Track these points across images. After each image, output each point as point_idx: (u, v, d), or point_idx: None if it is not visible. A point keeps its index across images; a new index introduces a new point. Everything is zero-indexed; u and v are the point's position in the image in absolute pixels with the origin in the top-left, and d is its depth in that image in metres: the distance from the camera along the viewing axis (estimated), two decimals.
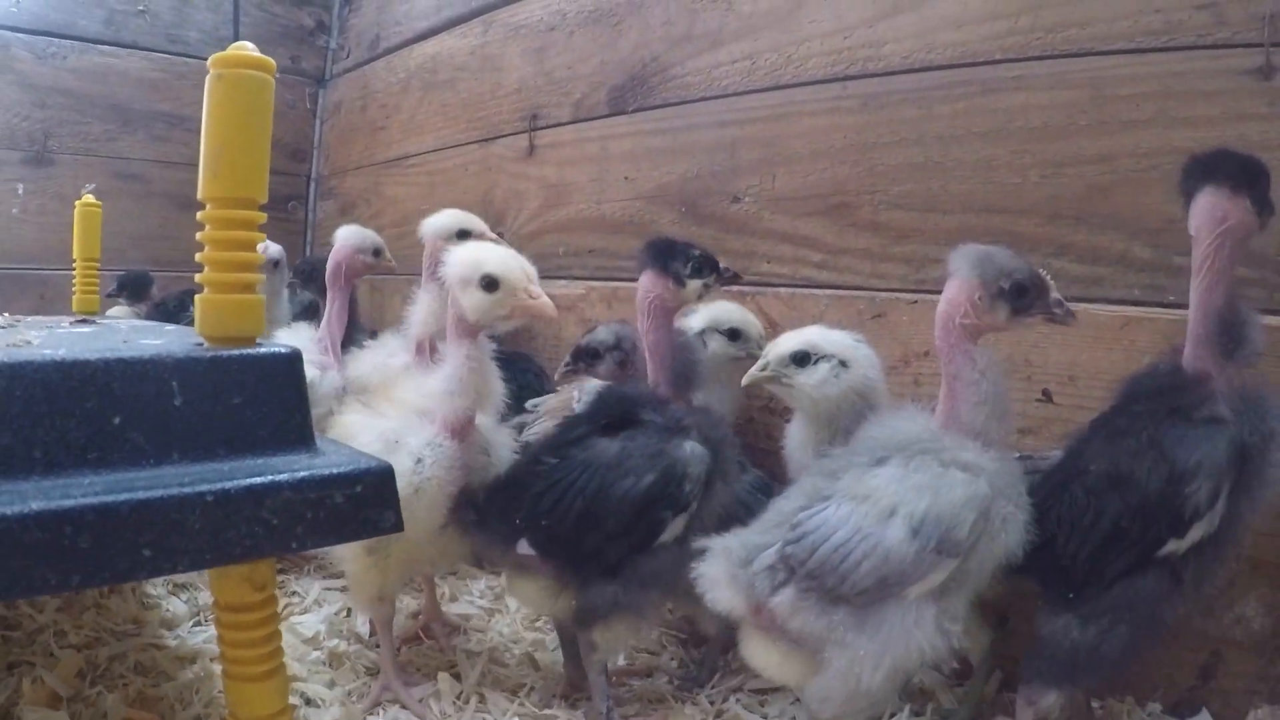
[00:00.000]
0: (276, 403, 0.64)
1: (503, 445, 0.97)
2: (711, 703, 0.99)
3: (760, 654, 0.80)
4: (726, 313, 1.11)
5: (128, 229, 2.11)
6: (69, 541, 0.51)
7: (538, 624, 1.18)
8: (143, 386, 0.59)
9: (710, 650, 1.06)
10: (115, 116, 2.17)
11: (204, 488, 0.56)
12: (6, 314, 1.06)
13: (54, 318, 1.14)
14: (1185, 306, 0.80)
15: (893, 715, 0.93)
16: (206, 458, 0.60)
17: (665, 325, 0.94)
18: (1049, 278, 0.76)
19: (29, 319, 1.06)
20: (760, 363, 0.91)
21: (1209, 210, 0.75)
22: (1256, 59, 0.89)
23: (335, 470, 0.62)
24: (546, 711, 0.96)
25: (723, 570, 0.78)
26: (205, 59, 0.63)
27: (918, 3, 1.15)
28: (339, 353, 1.29)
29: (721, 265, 0.96)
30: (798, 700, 0.95)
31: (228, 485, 0.57)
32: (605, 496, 0.85)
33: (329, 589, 1.25)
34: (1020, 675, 0.80)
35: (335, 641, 1.09)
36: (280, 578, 1.26)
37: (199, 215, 0.65)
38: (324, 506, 0.61)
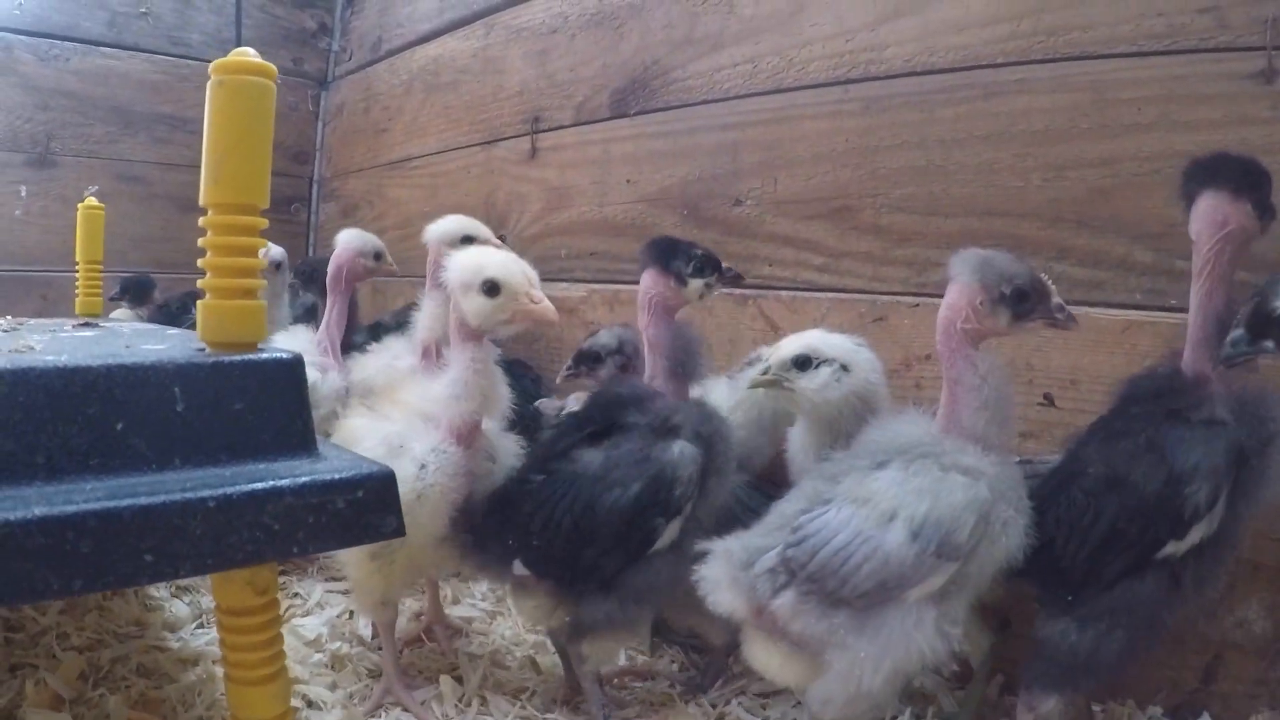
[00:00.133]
0: (278, 408, 0.64)
1: (508, 452, 0.96)
2: (714, 705, 0.99)
3: (762, 656, 0.80)
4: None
5: (130, 231, 2.12)
6: (71, 547, 0.51)
7: (539, 627, 1.18)
8: (145, 392, 0.59)
9: (714, 656, 1.06)
10: (117, 118, 2.18)
11: (206, 493, 0.56)
12: (9, 316, 1.07)
13: (57, 320, 1.14)
14: (1187, 310, 0.80)
15: (894, 718, 0.93)
16: (208, 463, 0.60)
17: (664, 321, 0.93)
18: (1050, 282, 0.76)
19: (32, 322, 1.06)
20: (761, 367, 0.91)
21: (1210, 214, 0.75)
22: (1259, 63, 0.89)
23: (337, 475, 0.62)
24: (548, 715, 0.96)
25: (724, 573, 0.79)
26: (208, 61, 0.64)
27: (919, 6, 1.15)
28: (339, 354, 1.30)
29: (724, 265, 0.96)
30: (799, 703, 0.95)
31: (229, 491, 0.57)
32: (594, 510, 0.84)
33: (331, 592, 1.25)
34: (1020, 679, 0.80)
35: (337, 644, 1.10)
36: (282, 580, 1.26)
37: (201, 221, 0.65)
38: (325, 511, 0.61)
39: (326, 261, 1.35)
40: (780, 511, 0.81)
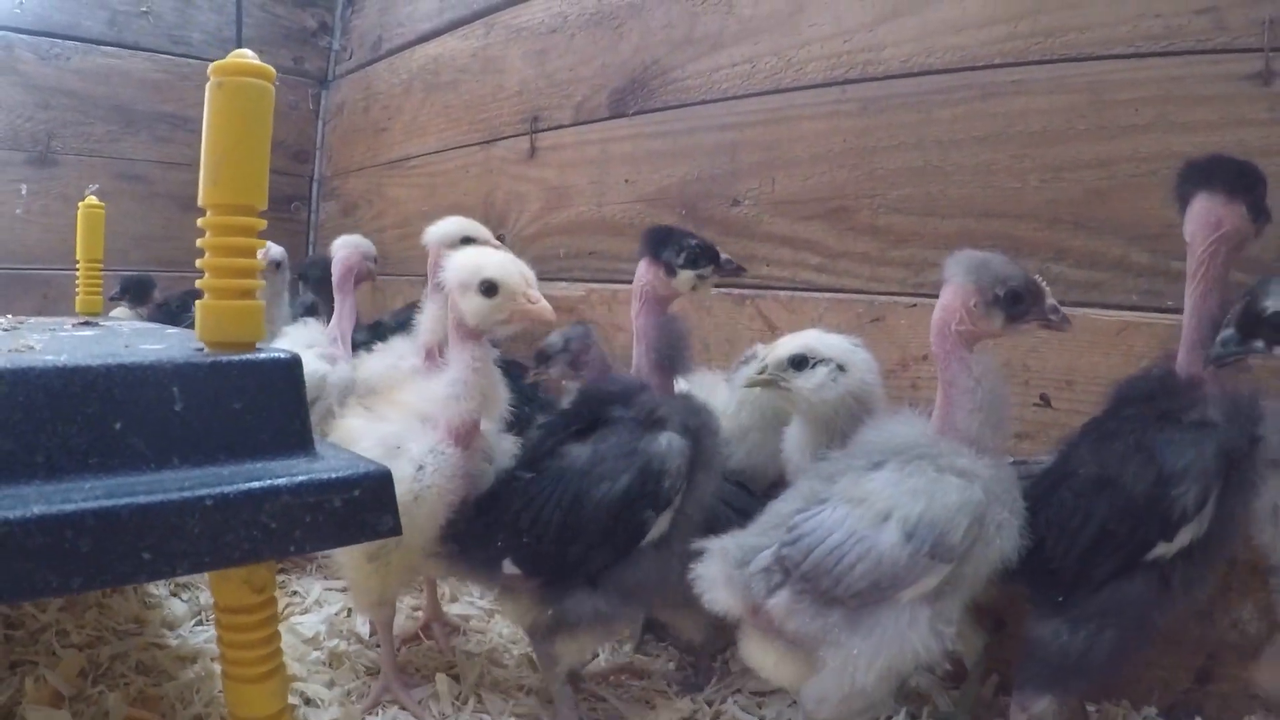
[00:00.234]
0: (276, 407, 0.65)
1: (505, 453, 0.95)
2: (709, 703, 1.00)
3: (758, 654, 0.80)
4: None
5: (131, 229, 2.12)
6: (70, 545, 0.51)
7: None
8: (143, 392, 0.59)
9: (700, 655, 1.07)
10: (118, 117, 2.18)
11: (203, 492, 0.57)
12: (10, 315, 1.07)
13: (57, 319, 1.15)
14: (1182, 311, 0.80)
15: (889, 718, 0.93)
16: (206, 462, 0.61)
17: (654, 313, 0.93)
18: (1044, 283, 0.76)
19: (32, 320, 1.07)
20: (758, 365, 0.91)
21: (1204, 216, 0.75)
22: (1256, 64, 0.89)
23: (334, 474, 0.63)
24: (544, 713, 0.97)
25: (719, 571, 0.79)
26: (208, 60, 0.64)
27: (917, 7, 1.15)
28: (349, 346, 1.35)
29: (723, 257, 0.94)
30: (795, 702, 0.95)
31: (227, 490, 0.57)
32: (582, 504, 0.84)
33: (330, 589, 1.26)
34: (1014, 680, 0.80)
35: (335, 642, 1.10)
36: (281, 578, 1.27)
37: (199, 222, 0.65)
38: (322, 510, 0.62)
39: (328, 261, 1.41)
40: (776, 511, 0.81)
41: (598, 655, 1.10)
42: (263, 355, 0.66)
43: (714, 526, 0.85)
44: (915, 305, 1.13)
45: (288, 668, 0.77)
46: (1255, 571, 0.86)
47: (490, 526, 0.89)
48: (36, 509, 0.51)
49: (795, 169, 1.28)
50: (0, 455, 0.54)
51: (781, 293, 1.28)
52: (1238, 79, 0.90)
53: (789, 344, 0.89)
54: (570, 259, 1.63)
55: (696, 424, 0.89)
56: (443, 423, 0.88)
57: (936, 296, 0.79)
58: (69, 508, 0.52)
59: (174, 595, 1.21)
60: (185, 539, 0.56)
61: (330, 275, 1.42)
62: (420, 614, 1.18)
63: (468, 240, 1.19)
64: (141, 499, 0.54)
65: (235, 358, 0.64)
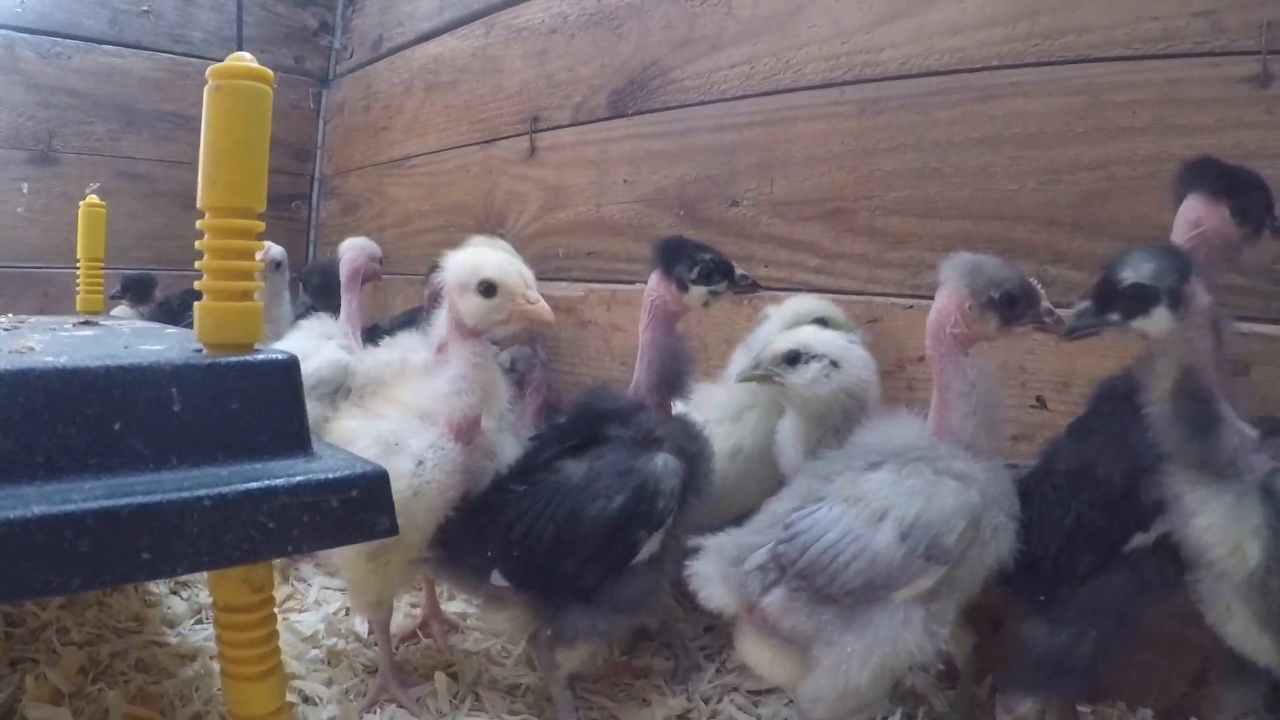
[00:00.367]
0: (274, 408, 0.65)
1: (507, 449, 0.95)
2: (706, 702, 1.00)
3: (754, 653, 0.81)
4: (805, 304, 1.05)
5: (132, 228, 2.13)
6: (70, 545, 0.52)
7: (516, 640, 1.18)
8: (142, 393, 0.60)
9: (676, 644, 1.08)
10: (119, 116, 2.19)
11: (202, 492, 0.57)
12: (10, 315, 1.08)
13: (58, 318, 1.15)
14: None
15: (885, 718, 0.94)
16: (205, 462, 0.61)
17: (662, 328, 0.92)
18: (1039, 286, 0.76)
19: (32, 320, 1.07)
20: (753, 360, 0.92)
21: (1185, 214, 0.77)
22: (1254, 67, 0.89)
23: (331, 475, 0.63)
24: (542, 712, 0.97)
25: (715, 569, 0.79)
26: (209, 59, 0.64)
27: (915, 8, 1.15)
28: (360, 341, 1.41)
29: (738, 273, 0.93)
30: (791, 702, 0.96)
31: (225, 490, 0.58)
32: (577, 521, 0.84)
33: (328, 588, 1.26)
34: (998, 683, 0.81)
35: (334, 640, 1.11)
36: (280, 576, 1.27)
37: (198, 224, 0.66)
38: (320, 510, 0.62)
39: (330, 267, 1.49)
40: (772, 509, 0.81)
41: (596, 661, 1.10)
42: (261, 356, 0.66)
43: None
44: (912, 307, 1.13)
45: (286, 666, 0.77)
46: None
47: (480, 536, 0.88)
48: (37, 509, 0.51)
49: (793, 170, 1.28)
50: (1, 455, 0.55)
51: (780, 294, 1.28)
52: (1235, 81, 0.90)
53: (784, 340, 0.90)
54: (569, 259, 1.63)
55: (693, 449, 0.89)
56: (443, 418, 0.88)
57: (934, 298, 0.80)
58: (69, 508, 0.52)
59: (174, 593, 1.21)
60: (184, 539, 0.56)
61: (330, 281, 1.49)
62: (418, 612, 1.18)
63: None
64: (140, 499, 0.55)
65: (233, 359, 0.65)
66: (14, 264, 2.07)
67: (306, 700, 0.96)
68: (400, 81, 2.18)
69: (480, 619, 1.22)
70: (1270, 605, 0.63)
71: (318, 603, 1.22)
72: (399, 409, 0.92)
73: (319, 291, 1.60)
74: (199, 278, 0.66)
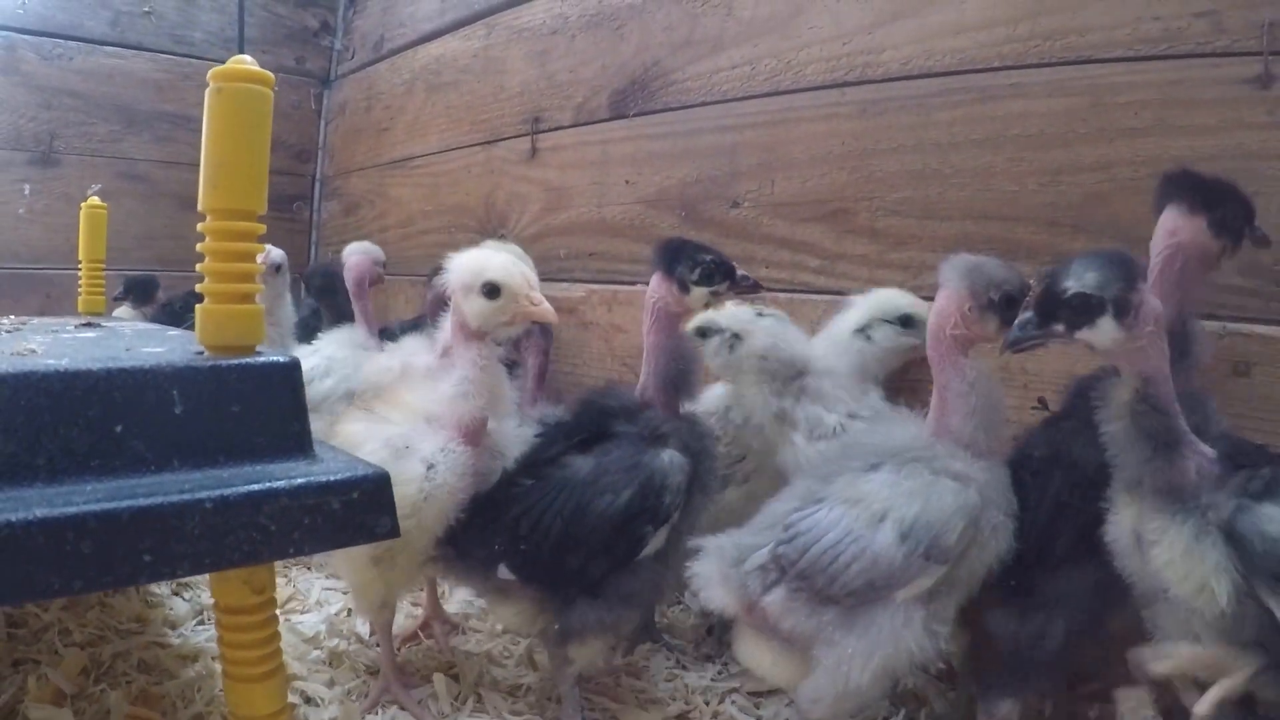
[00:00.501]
0: (275, 410, 0.65)
1: (515, 446, 0.95)
2: (707, 703, 1.00)
3: (754, 654, 0.81)
4: (892, 300, 1.05)
5: (133, 229, 2.13)
6: (72, 547, 0.52)
7: (522, 634, 1.19)
8: (144, 395, 0.60)
9: (650, 629, 1.14)
10: (121, 117, 2.19)
11: (203, 494, 0.57)
12: (12, 316, 1.08)
13: (60, 319, 1.15)
14: None
15: (885, 719, 0.94)
16: (206, 465, 0.61)
17: (666, 329, 0.93)
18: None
19: (34, 321, 1.07)
20: None
21: (1163, 224, 0.78)
22: (1255, 67, 0.89)
23: (332, 477, 0.63)
24: (543, 712, 0.97)
25: (715, 569, 0.80)
26: (211, 60, 0.65)
27: (916, 9, 1.15)
28: (378, 343, 1.45)
29: (739, 273, 0.93)
30: (792, 703, 0.96)
31: (226, 492, 0.58)
32: (584, 515, 0.85)
33: (330, 589, 1.27)
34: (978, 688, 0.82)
35: (335, 641, 1.11)
36: (282, 577, 1.27)
37: (199, 226, 0.66)
38: (321, 512, 0.62)
39: (331, 268, 1.54)
40: (772, 510, 0.82)
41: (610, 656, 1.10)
42: (262, 359, 0.66)
43: None
44: None
45: (288, 667, 0.78)
46: None
47: (486, 530, 0.89)
48: (39, 511, 0.51)
49: (794, 171, 1.28)
50: (3, 458, 0.55)
51: (780, 295, 1.28)
52: (1237, 82, 0.90)
53: (699, 318, 1.00)
54: (570, 260, 1.64)
55: (699, 447, 0.90)
56: (451, 421, 0.88)
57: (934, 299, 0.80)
58: (71, 510, 0.52)
59: (176, 594, 1.21)
60: (185, 541, 0.56)
61: (332, 282, 1.52)
62: (420, 613, 1.18)
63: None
64: (142, 501, 0.55)
65: (235, 361, 0.65)
66: (16, 265, 2.07)
67: (308, 701, 0.96)
68: (402, 82, 2.18)
69: (485, 615, 1.22)
70: (1250, 629, 0.62)
71: (319, 604, 1.23)
72: (405, 412, 0.92)
73: (321, 293, 1.61)
74: (200, 279, 0.66)
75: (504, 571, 0.89)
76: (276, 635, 0.70)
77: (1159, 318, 0.65)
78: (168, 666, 1.00)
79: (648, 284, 0.96)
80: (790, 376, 0.98)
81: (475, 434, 0.89)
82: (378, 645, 1.04)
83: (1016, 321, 0.69)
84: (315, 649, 1.09)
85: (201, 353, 0.66)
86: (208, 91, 0.63)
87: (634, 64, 1.53)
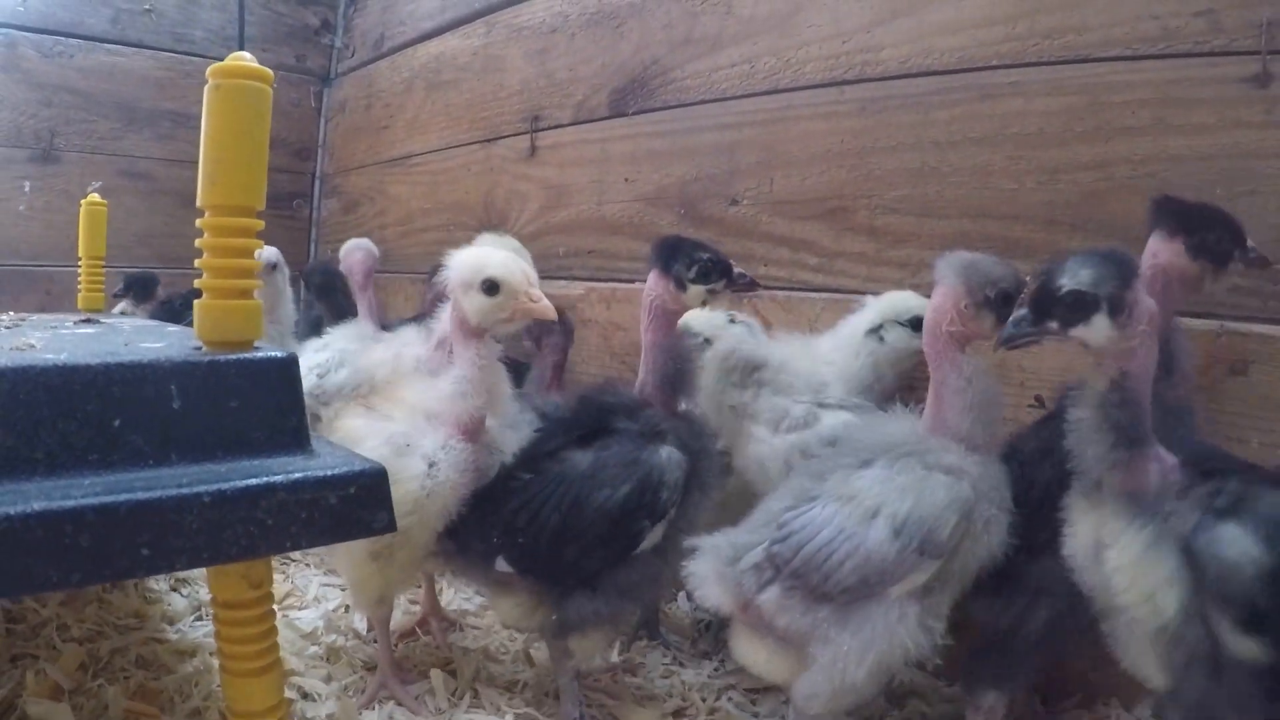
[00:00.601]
0: (272, 405, 0.66)
1: (511, 441, 0.95)
2: (704, 699, 1.01)
3: (749, 651, 0.81)
4: (905, 301, 1.05)
5: (134, 226, 2.14)
6: (70, 540, 0.52)
7: (520, 628, 1.19)
8: (142, 390, 0.60)
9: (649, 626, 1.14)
10: (121, 115, 2.19)
11: (201, 489, 0.57)
12: (11, 313, 1.08)
13: (59, 316, 1.16)
14: (1179, 314, 0.81)
15: (882, 718, 0.94)
16: (204, 459, 0.62)
17: (664, 328, 0.93)
18: None
19: (34, 318, 1.07)
20: None
21: (1149, 246, 0.80)
22: (1253, 67, 0.89)
23: (329, 472, 0.63)
24: (540, 708, 0.97)
25: (711, 568, 0.80)
26: (211, 58, 0.65)
27: (915, 8, 1.15)
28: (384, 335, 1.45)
29: (736, 271, 0.94)
30: (789, 701, 0.96)
31: (224, 486, 0.58)
32: (582, 509, 0.85)
33: (328, 585, 1.27)
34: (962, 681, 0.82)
35: (333, 637, 1.11)
36: (280, 573, 1.28)
37: (198, 222, 0.66)
38: (318, 507, 0.62)
39: (331, 265, 1.56)
40: (767, 508, 0.82)
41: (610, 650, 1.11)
42: (260, 354, 0.66)
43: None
44: None
45: (285, 662, 0.78)
46: None
47: (485, 524, 0.90)
48: (37, 504, 0.52)
49: (793, 169, 1.28)
50: (2, 452, 0.55)
51: (779, 293, 1.28)
52: (1235, 81, 0.90)
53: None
54: (570, 257, 1.64)
55: (698, 446, 0.90)
56: (450, 419, 0.89)
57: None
58: (69, 503, 0.53)
59: (174, 590, 1.22)
60: (183, 535, 0.56)
61: (332, 280, 1.53)
62: (417, 609, 1.19)
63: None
64: (140, 495, 0.55)
65: (233, 356, 0.65)
66: (16, 262, 2.07)
67: (305, 696, 0.97)
68: (401, 80, 2.18)
69: (482, 612, 1.23)
70: (1181, 658, 0.61)
71: (317, 599, 1.23)
72: (405, 409, 0.92)
73: (321, 290, 1.61)
74: (200, 276, 0.66)
75: (502, 564, 0.90)
76: (274, 630, 0.70)
77: (1153, 317, 0.65)
78: (166, 662, 1.01)
79: (646, 282, 0.96)
80: (747, 371, 1.00)
81: (474, 431, 0.90)
82: (375, 641, 1.04)
83: (1011, 318, 0.69)
84: (313, 645, 1.09)
85: (199, 348, 0.67)
86: (207, 88, 0.63)
87: (633, 62, 1.53)
